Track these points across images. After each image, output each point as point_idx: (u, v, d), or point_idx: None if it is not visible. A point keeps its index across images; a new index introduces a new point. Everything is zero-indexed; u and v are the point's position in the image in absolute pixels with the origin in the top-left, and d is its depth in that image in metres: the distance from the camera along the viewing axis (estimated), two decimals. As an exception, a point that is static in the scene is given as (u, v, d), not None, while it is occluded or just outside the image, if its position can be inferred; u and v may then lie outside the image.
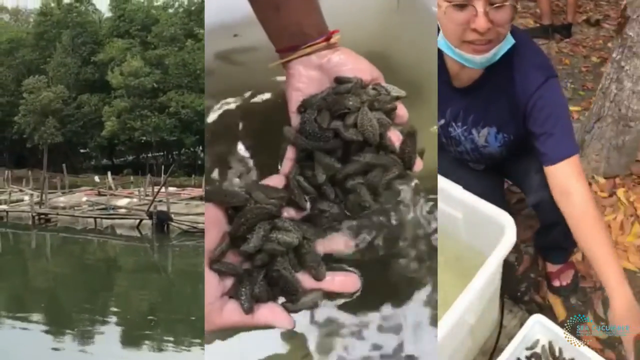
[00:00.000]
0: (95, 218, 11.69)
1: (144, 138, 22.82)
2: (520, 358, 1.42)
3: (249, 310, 0.91)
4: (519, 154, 1.45)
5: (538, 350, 1.44)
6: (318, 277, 0.97)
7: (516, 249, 1.83)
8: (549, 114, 1.26)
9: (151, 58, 22.69)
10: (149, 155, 24.43)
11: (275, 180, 1.01)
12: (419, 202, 1.09)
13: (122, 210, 12.07)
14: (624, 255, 1.83)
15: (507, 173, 1.60)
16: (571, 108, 2.45)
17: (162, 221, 10.78)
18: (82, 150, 26.04)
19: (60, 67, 24.03)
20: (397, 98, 1.05)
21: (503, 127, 1.37)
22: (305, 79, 1.07)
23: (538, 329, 1.40)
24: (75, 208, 12.59)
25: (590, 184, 2.02)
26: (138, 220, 11.17)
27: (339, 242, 1.01)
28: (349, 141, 0.99)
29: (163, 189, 11.83)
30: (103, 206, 12.35)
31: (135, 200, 13.16)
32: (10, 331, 5.36)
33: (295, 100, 1.06)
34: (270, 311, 0.94)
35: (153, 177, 15.26)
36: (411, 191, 1.07)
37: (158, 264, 9.12)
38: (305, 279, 0.97)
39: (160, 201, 11.63)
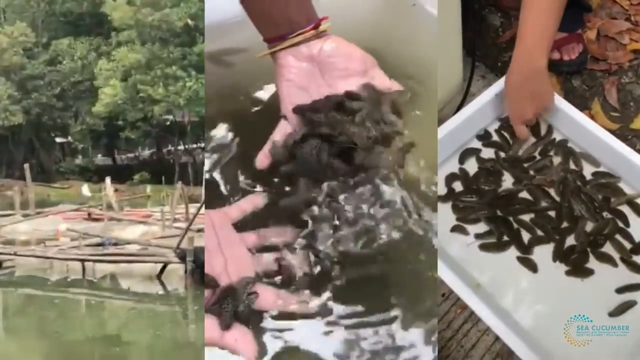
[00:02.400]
0: (82, 261, 12.39)
1: (171, 117, 24.57)
2: (489, 131, 2.38)
3: (227, 327, 1.65)
4: None
5: None
6: None
7: (504, 14, 2.86)
8: None
9: (180, -25, 24.48)
10: (179, 147, 25.95)
11: (256, 200, 1.93)
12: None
13: (132, 247, 12.82)
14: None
15: None
16: None
17: (202, 266, 11.53)
18: (59, 140, 28.19)
19: (19, -10, 26.65)
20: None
21: None
22: (296, 69, 1.90)
23: None
24: (47, 243, 13.60)
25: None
26: (160, 265, 11.85)
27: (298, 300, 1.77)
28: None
29: (204, 209, 12.59)
30: (97, 240, 13.29)
31: (155, 228, 14.16)
32: None
33: (286, 92, 1.91)
34: (241, 334, 1.65)
35: (187, 187, 16.38)
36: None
37: (196, 342, 9.44)
38: (268, 296, 1.74)
39: (200, 230, 12.24)
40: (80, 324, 10.52)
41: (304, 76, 1.91)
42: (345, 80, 1.91)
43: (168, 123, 25.10)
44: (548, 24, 2.17)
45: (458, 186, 2.27)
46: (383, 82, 1.94)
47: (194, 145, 25.77)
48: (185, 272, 11.33)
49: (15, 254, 12.89)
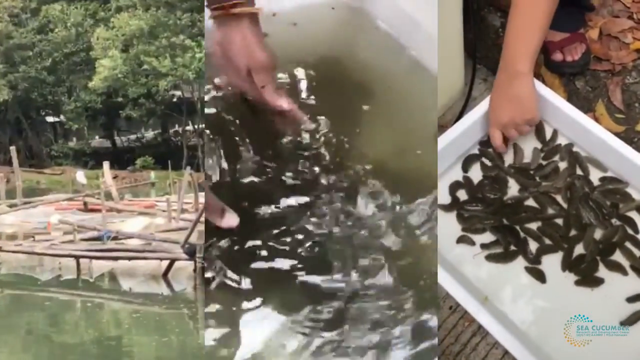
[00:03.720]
0: (77, 258, 12.66)
1: (178, 93, 24.87)
2: None
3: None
4: None
5: None
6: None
7: (504, 14, 3.11)
8: None
9: None
10: (187, 128, 26.30)
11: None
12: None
13: (134, 242, 13.08)
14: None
15: None
16: None
17: (214, 264, 11.85)
18: (50, 119, 28.62)
19: (5, -54, 26.79)
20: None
21: None
22: (226, 42, 2.27)
23: None
24: (37, 237, 13.97)
25: None
26: (166, 263, 12.07)
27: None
28: None
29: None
30: (94, 233, 13.64)
31: (159, 220, 14.59)
32: None
33: (213, 56, 2.33)
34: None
35: (196, 174, 16.57)
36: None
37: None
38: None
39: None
40: (75, 330, 10.74)
41: (232, 47, 2.27)
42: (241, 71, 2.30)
43: (175, 100, 25.44)
44: (533, 29, 2.49)
45: (462, 195, 2.55)
46: (273, 99, 2.34)
47: (203, 126, 25.65)
48: (195, 270, 11.37)
49: (0, 250, 13.06)
